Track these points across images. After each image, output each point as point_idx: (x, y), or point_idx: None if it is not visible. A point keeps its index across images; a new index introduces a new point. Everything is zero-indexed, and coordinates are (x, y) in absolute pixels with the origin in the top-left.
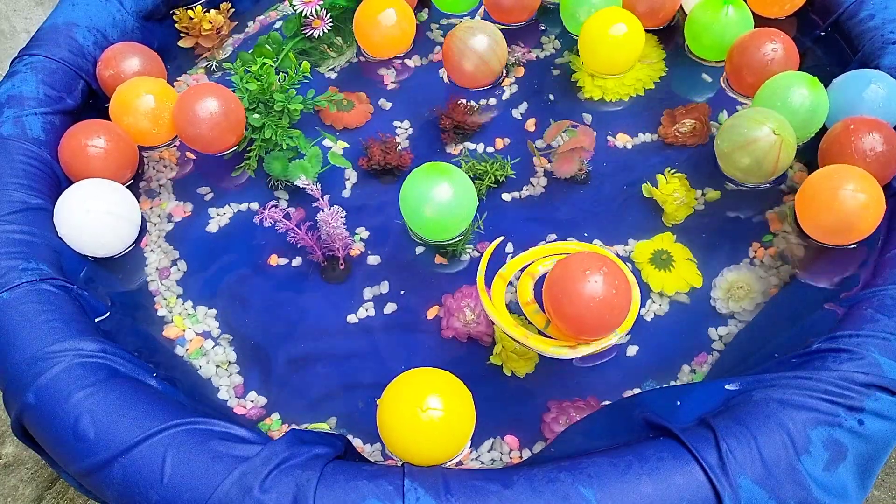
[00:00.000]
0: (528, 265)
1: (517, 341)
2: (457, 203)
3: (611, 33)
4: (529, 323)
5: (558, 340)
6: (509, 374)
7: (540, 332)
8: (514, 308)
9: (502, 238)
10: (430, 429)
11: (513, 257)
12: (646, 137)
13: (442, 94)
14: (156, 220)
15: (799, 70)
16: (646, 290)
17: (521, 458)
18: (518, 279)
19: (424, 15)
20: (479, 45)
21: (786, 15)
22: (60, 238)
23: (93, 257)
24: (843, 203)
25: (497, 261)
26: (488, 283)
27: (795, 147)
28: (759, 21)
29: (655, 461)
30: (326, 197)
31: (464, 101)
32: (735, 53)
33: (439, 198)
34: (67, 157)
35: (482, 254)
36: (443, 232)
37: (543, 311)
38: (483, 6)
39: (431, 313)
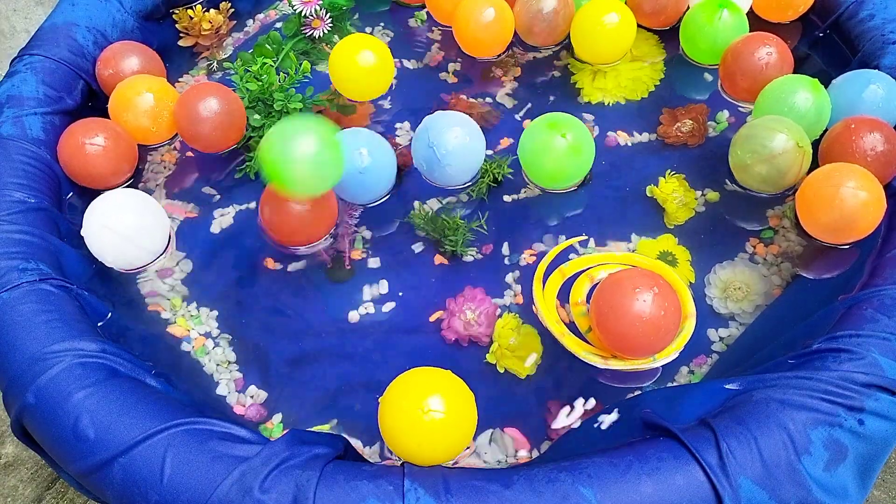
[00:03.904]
0: (592, 267)
1: (554, 336)
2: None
3: (603, 21)
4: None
5: (593, 348)
6: (502, 371)
7: (579, 335)
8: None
9: (585, 237)
10: (432, 429)
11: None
12: (644, 137)
13: (442, 95)
14: None
15: (797, 71)
16: None
17: (522, 458)
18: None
19: (424, 15)
20: (547, 5)
21: (790, 20)
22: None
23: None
24: (843, 201)
25: (491, 261)
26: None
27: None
28: (760, 22)
29: (655, 461)
30: None
31: (464, 96)
32: (729, 58)
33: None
34: (66, 156)
35: (485, 255)
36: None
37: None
38: None
39: (433, 316)
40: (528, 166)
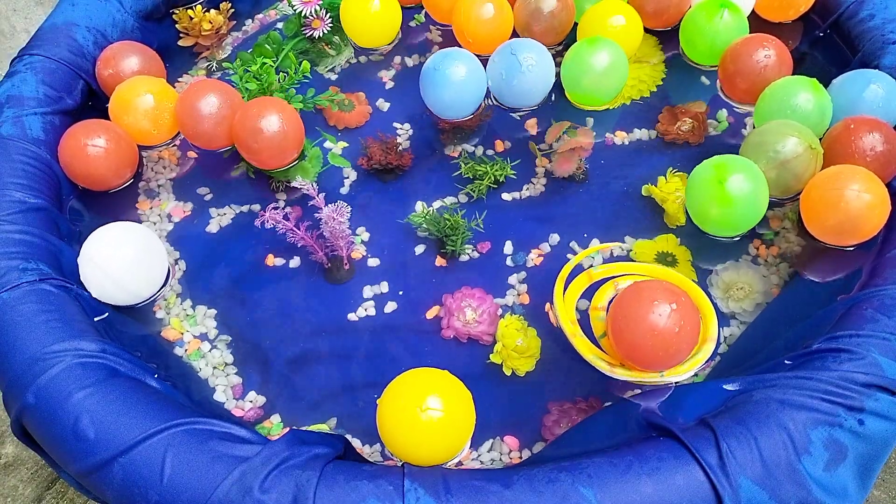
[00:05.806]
0: (620, 275)
1: (566, 335)
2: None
3: (609, 23)
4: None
5: (603, 354)
6: (509, 373)
7: (592, 339)
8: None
9: (609, 245)
10: (430, 429)
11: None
12: (644, 136)
13: None
14: (156, 220)
15: (797, 71)
16: None
17: (521, 458)
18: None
19: (422, 17)
20: (546, 4)
21: (791, 19)
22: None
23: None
24: (848, 203)
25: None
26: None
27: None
28: (760, 22)
29: (655, 461)
30: (322, 195)
31: None
32: (728, 61)
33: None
34: (67, 157)
35: (485, 254)
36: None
37: None
38: None
39: (431, 314)
40: (691, 205)
